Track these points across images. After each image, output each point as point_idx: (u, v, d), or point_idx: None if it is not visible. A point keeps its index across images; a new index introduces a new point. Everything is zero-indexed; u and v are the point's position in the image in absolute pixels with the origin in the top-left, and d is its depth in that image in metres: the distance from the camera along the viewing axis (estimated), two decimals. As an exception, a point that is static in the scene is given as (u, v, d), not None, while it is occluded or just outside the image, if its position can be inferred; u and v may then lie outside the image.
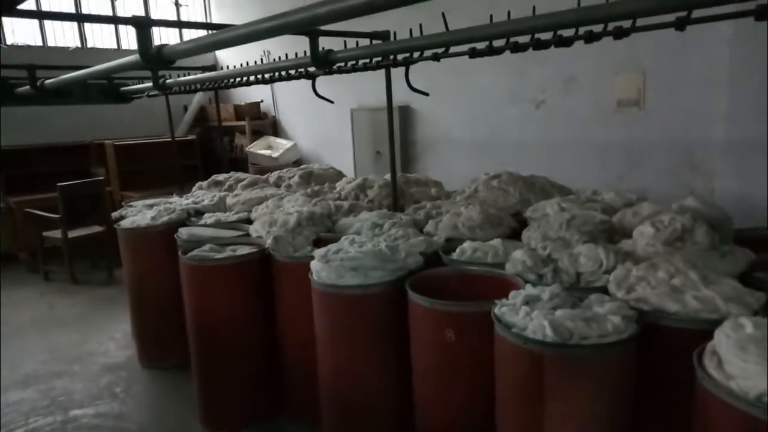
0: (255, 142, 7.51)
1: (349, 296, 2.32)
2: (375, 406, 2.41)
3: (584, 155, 4.36)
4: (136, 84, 5.10)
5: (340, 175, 4.82)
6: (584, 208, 2.82)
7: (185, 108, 8.43)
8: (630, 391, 1.76)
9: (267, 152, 7.33)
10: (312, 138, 7.47)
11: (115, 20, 6.84)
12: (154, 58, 2.51)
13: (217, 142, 8.27)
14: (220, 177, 4.86)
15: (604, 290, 1.96)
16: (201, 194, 4.49)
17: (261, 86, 4.32)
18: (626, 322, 1.68)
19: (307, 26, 2.56)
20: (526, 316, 1.78)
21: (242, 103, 7.85)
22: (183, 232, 3.35)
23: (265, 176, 4.74)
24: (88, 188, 5.79)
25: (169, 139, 6.01)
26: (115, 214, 4.18)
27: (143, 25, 2.50)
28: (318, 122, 7.16)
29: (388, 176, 3.89)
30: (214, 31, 2.27)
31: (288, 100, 7.68)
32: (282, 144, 7.45)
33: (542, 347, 1.66)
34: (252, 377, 2.96)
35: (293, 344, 2.85)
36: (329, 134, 7.07)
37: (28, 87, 4.18)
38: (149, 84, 4.51)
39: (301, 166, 5.08)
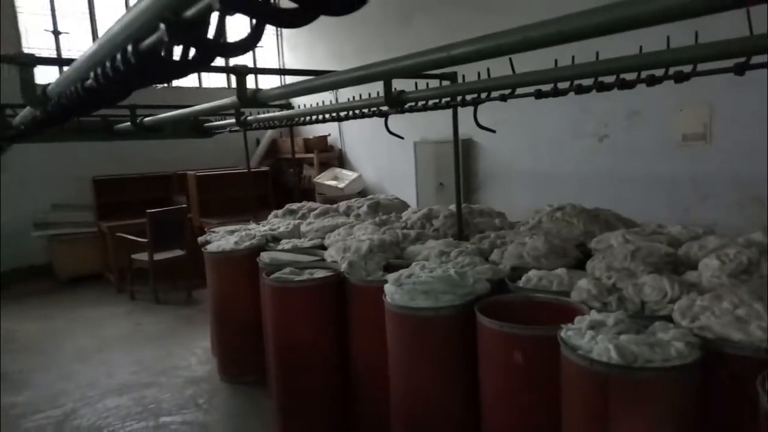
0: (322, 174, 7.91)
1: (421, 318, 2.50)
2: (443, 425, 2.55)
3: (649, 189, 4.39)
4: (219, 120, 5.58)
5: (404, 205, 5.05)
6: (649, 240, 2.89)
7: (257, 141, 8.99)
8: (693, 416, 1.84)
9: (333, 183, 7.69)
10: (376, 170, 7.79)
11: (216, 69, 7.48)
12: (249, 101, 2.85)
13: (286, 173, 8.76)
14: (294, 206, 5.20)
15: (668, 319, 2.05)
16: (276, 222, 4.82)
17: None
18: (690, 348, 1.77)
19: (387, 77, 2.84)
20: (591, 339, 1.90)
21: (311, 137, 8.30)
22: (265, 256, 3.65)
23: (335, 206, 5.03)
24: (172, 215, 6.30)
25: (245, 170, 6.47)
26: (200, 239, 4.57)
27: (242, 73, 2.85)
28: (382, 154, 7.48)
29: (452, 206, 4.07)
30: (305, 78, 2.56)
31: (354, 133, 8.06)
32: (347, 175, 7.81)
33: (607, 369, 1.77)
34: (326, 394, 3.16)
35: (365, 363, 3.04)
36: (392, 166, 7.36)
37: (128, 124, 4.67)
38: (232, 120, 4.95)
39: (369, 197, 5.35)
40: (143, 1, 0.88)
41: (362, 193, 7.42)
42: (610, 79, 2.31)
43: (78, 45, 7.86)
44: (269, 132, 8.93)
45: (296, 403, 3.20)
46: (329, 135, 8.39)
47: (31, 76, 2.33)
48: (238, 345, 4.01)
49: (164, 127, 5.63)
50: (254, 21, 0.86)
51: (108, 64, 1.23)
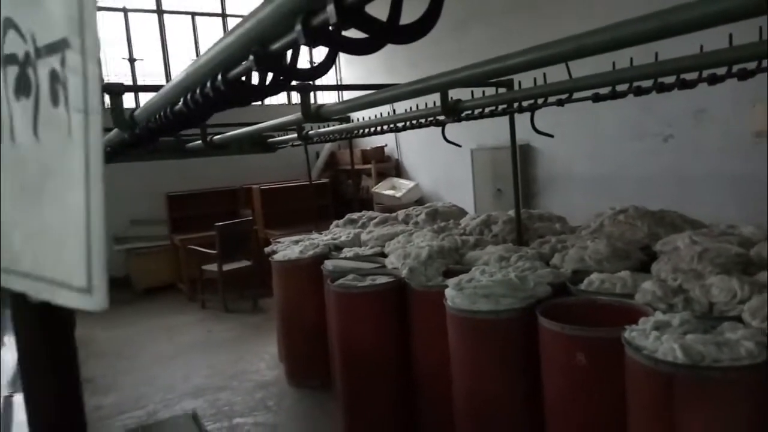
0: (380, 183, 8.05)
1: (482, 321, 2.55)
2: (506, 425, 2.58)
3: (718, 189, 4.23)
4: (281, 135, 5.83)
5: (462, 212, 5.09)
6: (718, 242, 2.81)
7: (317, 155, 9.27)
8: (762, 417, 1.79)
9: (391, 192, 7.82)
10: (432, 178, 7.86)
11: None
12: (313, 116, 3.01)
13: (345, 184, 8.98)
14: (354, 216, 5.35)
15: (737, 320, 2.01)
16: (338, 231, 4.99)
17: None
18: (760, 348, 1.74)
19: (444, 89, 2.92)
20: (656, 340, 1.89)
21: (368, 148, 8.48)
22: (328, 264, 3.79)
23: (394, 214, 5.14)
24: (239, 227, 6.61)
25: (307, 183, 6.71)
26: (267, 249, 4.79)
27: (306, 90, 3.02)
28: (438, 163, 7.54)
29: (511, 212, 4.09)
30: (365, 92, 2.69)
31: (410, 143, 8.17)
32: (405, 184, 7.92)
33: (673, 368, 1.77)
34: (390, 396, 3.25)
35: (427, 365, 3.11)
36: (449, 174, 7.40)
37: (199, 142, 4.96)
38: (293, 135, 5.17)
39: (426, 205, 5.43)
40: (232, 36, 1.01)
41: (419, 202, 7.50)
42: (670, 79, 2.30)
43: (150, 70, 8.42)
44: (328, 145, 9.18)
45: (361, 404, 3.30)
46: (386, 145, 8.54)
47: (120, 102, 2.57)
48: (304, 350, 4.17)
49: (231, 144, 5.95)
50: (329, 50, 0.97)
51: (198, 90, 1.38)
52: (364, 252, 4.14)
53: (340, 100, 7.93)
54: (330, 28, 0.73)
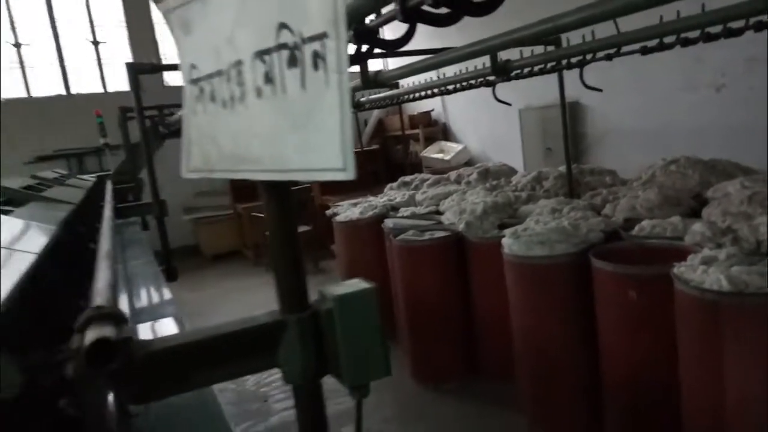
0: (428, 148, 8.22)
1: (538, 266, 2.76)
2: (563, 361, 2.80)
3: (773, 136, 4.20)
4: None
5: (512, 171, 5.24)
6: (769, 186, 2.89)
7: (365, 122, 9.49)
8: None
9: (439, 156, 7.98)
10: (480, 140, 7.95)
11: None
12: (372, 83, 3.22)
13: (393, 150, 9.19)
14: (407, 178, 5.58)
15: (784, 254, 2.13)
16: (392, 194, 5.23)
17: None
18: (803, 276, 1.88)
19: (497, 51, 3.06)
20: (703, 273, 2.05)
21: (415, 113, 8.62)
22: (389, 222, 4.06)
23: (446, 175, 5.34)
24: (299, 194, 6.97)
25: (359, 150, 6.97)
26: (328, 212, 5.10)
27: (364, 57, 3.22)
28: (486, 124, 7.62)
29: (562, 168, 4.21)
30: (421, 57, 2.87)
31: (457, 106, 8.26)
32: (453, 147, 8.05)
33: (719, 296, 1.94)
34: (452, 339, 3.53)
35: (484, 311, 3.36)
36: (497, 135, 7.48)
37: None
38: (347, 103, 5.39)
39: (477, 165, 5.59)
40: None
41: (468, 164, 7.63)
42: (717, 29, 2.38)
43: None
44: (376, 112, 9.37)
45: (425, 347, 3.59)
46: (432, 110, 8.66)
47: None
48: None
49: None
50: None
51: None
52: (420, 211, 4.37)
53: (385, 66, 8.06)
54: (422, 6, 0.93)
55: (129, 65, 2.61)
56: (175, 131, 4.80)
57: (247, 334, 0.79)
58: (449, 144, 8.21)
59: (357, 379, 0.74)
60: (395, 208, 4.72)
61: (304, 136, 0.56)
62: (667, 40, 2.51)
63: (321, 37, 0.52)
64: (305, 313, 0.75)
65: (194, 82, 0.78)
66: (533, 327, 2.87)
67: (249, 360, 0.77)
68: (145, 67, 2.71)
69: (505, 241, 2.92)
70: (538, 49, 3.39)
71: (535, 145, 6.54)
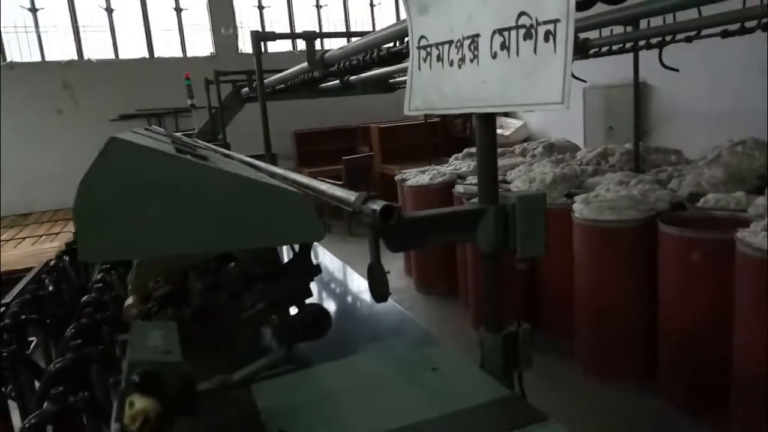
0: (488, 123, 8.43)
1: (607, 229, 3.04)
2: (622, 316, 3.09)
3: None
4: (401, 77, 6.34)
5: (576, 147, 5.44)
6: (835, 168, 3.06)
7: (425, 95, 9.73)
8: None
9: (499, 131, 8.19)
10: (540, 117, 8.10)
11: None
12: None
13: (451, 124, 9.43)
14: (473, 150, 5.85)
15: (843, 226, 2.35)
16: (458, 163, 5.54)
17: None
18: None
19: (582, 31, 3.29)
20: (764, 239, 2.30)
21: (476, 88, 8.82)
22: (459, 187, 4.38)
23: (512, 148, 5.59)
24: (362, 161, 7.35)
25: (420, 122, 7.26)
26: (397, 177, 5.45)
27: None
28: (547, 102, 7.76)
29: (628, 145, 4.42)
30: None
31: (518, 83, 8.39)
32: (512, 123, 8.24)
33: (779, 257, 2.19)
34: (515, 294, 3.84)
35: (548, 272, 3.65)
36: (556, 113, 7.61)
37: (335, 82, 5.59)
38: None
39: (541, 140, 5.81)
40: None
41: (527, 140, 7.82)
42: (798, 15, 2.56)
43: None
44: (436, 86, 9.60)
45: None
46: (493, 86, 8.83)
47: (313, 46, 3.22)
48: (433, 262, 4.85)
49: (358, 84, 6.58)
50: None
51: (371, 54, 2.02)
52: (445, 212, 4.67)
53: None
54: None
55: (254, 33, 2.97)
56: (272, 92, 5.20)
57: (461, 215, 1.15)
58: (509, 120, 8.39)
59: (526, 252, 1.09)
60: (461, 177, 5.02)
61: (531, 83, 0.89)
62: (749, 24, 2.70)
63: (554, 22, 0.85)
64: (498, 205, 1.09)
65: (422, 48, 1.12)
66: (598, 285, 3.16)
67: (459, 232, 1.13)
68: (268, 35, 3.05)
69: (576, 206, 3.20)
70: (617, 29, 3.60)
71: (598, 124, 6.69)
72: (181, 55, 8.74)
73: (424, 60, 1.12)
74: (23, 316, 1.45)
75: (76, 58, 8.28)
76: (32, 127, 8.10)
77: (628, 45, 3.54)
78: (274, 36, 3.17)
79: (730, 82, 5.14)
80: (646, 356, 3.01)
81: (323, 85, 6.00)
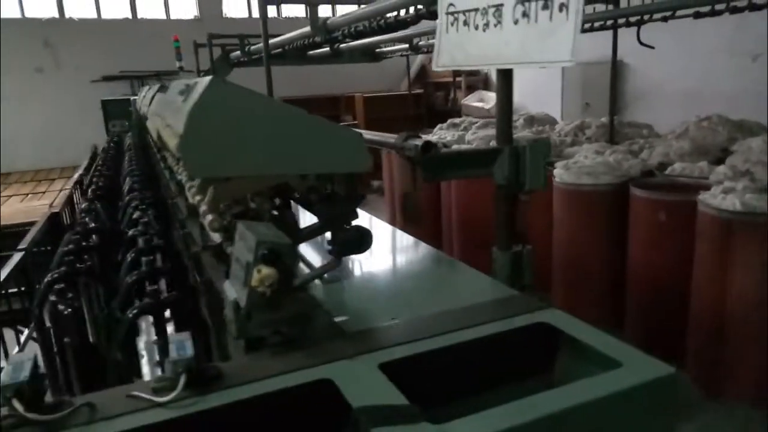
0: (469, 96, 8.66)
1: (585, 192, 3.33)
2: (595, 269, 3.41)
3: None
4: (389, 46, 6.49)
5: (554, 120, 5.73)
6: (787, 142, 3.40)
7: (408, 67, 9.88)
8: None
9: (480, 104, 8.43)
10: (519, 92, 8.30)
11: None
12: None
13: (433, 96, 9.63)
14: (456, 120, 6.10)
15: (789, 190, 2.68)
16: (442, 133, 5.77)
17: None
18: (801, 203, 2.44)
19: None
20: (722, 199, 2.61)
21: (459, 62, 9.01)
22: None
23: (494, 119, 5.85)
24: (347, 129, 7.50)
25: (404, 93, 7.44)
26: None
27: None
28: (526, 77, 7.98)
29: (603, 119, 4.71)
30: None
31: (500, 58, 8.62)
32: (493, 97, 8.48)
33: (732, 215, 2.51)
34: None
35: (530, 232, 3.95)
36: (536, 87, 7.89)
37: (327, 49, 5.71)
38: (404, 45, 5.84)
39: (522, 113, 6.08)
40: None
41: (507, 114, 8.09)
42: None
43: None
44: (419, 58, 9.74)
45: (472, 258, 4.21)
46: (476, 60, 9.04)
47: (316, 12, 3.38)
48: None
49: (346, 52, 6.69)
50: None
51: (375, 21, 2.21)
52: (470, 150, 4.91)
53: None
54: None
55: (261, -4, 3.10)
56: (255, 60, 5.31)
57: (483, 153, 1.39)
58: (489, 93, 8.63)
59: (532, 185, 1.34)
60: (446, 146, 5.26)
61: (547, 44, 1.13)
62: (718, 7, 2.98)
63: (563, -3, 1.08)
64: (512, 146, 1.34)
65: (450, 14, 1.34)
66: (574, 243, 3.47)
67: (478, 168, 1.37)
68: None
69: (556, 171, 3.48)
70: (599, 7, 3.84)
71: (574, 100, 6.99)
72: (164, 17, 8.67)
73: (452, 24, 1.34)
74: (84, 243, 1.65)
75: (57, 15, 8.15)
76: (11, 86, 8.00)
77: (608, 22, 3.80)
78: (280, 0, 3.31)
79: (699, 64, 5.47)
80: (616, 304, 3.35)
81: (311, 52, 6.13)
